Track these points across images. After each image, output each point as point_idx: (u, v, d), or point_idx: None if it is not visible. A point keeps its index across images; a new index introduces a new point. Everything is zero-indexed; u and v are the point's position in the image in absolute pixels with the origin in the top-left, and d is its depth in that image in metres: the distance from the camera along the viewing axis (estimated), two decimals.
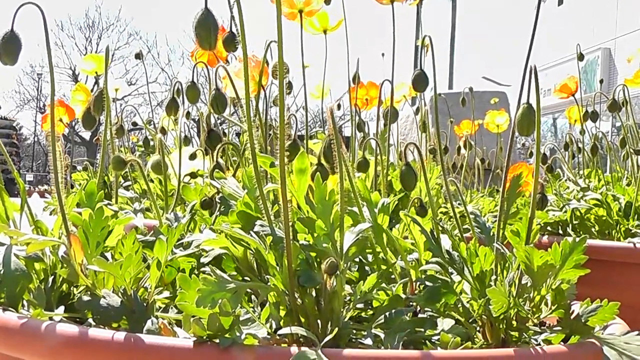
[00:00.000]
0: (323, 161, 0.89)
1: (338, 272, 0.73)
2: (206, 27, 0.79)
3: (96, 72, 2.68)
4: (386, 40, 1.46)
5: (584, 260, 0.84)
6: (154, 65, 35.58)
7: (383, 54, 2.82)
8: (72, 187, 2.55)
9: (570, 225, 1.80)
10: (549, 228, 1.84)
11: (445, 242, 1.02)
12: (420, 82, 1.04)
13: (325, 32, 1.66)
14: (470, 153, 2.53)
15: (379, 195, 1.05)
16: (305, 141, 1.54)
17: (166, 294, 0.91)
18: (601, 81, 3.65)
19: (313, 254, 0.78)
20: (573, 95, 2.17)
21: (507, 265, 0.86)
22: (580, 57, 2.51)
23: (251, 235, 0.77)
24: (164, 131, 2.28)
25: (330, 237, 0.79)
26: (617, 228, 1.74)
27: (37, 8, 0.87)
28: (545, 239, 1.73)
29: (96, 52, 34.92)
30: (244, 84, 0.85)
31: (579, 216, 1.79)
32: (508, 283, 0.82)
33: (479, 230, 1.08)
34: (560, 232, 1.82)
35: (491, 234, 1.07)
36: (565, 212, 1.80)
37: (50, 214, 2.53)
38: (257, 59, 1.10)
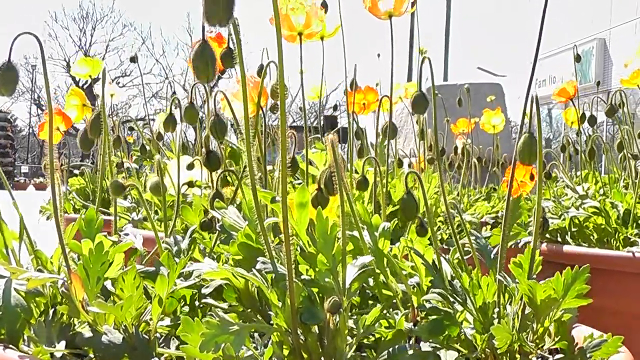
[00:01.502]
0: (323, 187, 0.89)
1: (341, 309, 0.73)
2: (204, 60, 0.78)
3: (90, 76, 2.67)
4: (378, 35, 1.44)
5: (587, 290, 0.84)
6: (149, 57, 35.45)
7: (379, 55, 2.82)
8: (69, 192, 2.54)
9: (569, 233, 1.80)
10: (547, 236, 1.83)
11: (447, 268, 1.01)
12: (419, 104, 1.03)
13: (322, 38, 1.65)
14: (467, 150, 2.53)
15: (379, 218, 1.04)
16: (304, 133, 1.53)
17: (167, 321, 0.90)
18: (598, 83, 3.64)
19: (315, 290, 0.77)
20: (571, 99, 2.16)
21: (509, 295, 0.86)
22: (577, 58, 2.51)
23: (253, 272, 0.76)
24: (160, 137, 2.27)
25: (333, 271, 0.78)
26: (616, 236, 1.74)
27: None
28: (544, 246, 1.73)
29: (90, 43, 34.78)
30: (243, 110, 0.84)
31: (578, 224, 1.79)
32: (511, 316, 0.81)
33: (480, 252, 1.08)
34: (559, 239, 1.82)
35: (492, 256, 1.07)
36: (564, 219, 1.80)
37: (47, 219, 2.53)
38: (255, 80, 1.09)
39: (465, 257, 1.07)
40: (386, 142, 1.77)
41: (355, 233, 0.96)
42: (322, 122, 2.57)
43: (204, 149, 1.28)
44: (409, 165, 2.96)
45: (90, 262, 0.80)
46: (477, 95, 6.12)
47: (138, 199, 2.36)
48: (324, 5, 1.71)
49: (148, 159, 2.39)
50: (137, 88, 32.69)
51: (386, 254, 0.99)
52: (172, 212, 1.70)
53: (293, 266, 0.75)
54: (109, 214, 1.73)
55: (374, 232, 1.00)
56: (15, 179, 26.31)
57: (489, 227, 1.88)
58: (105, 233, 0.91)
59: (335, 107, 2.96)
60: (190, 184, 1.73)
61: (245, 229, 0.84)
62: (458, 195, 2.63)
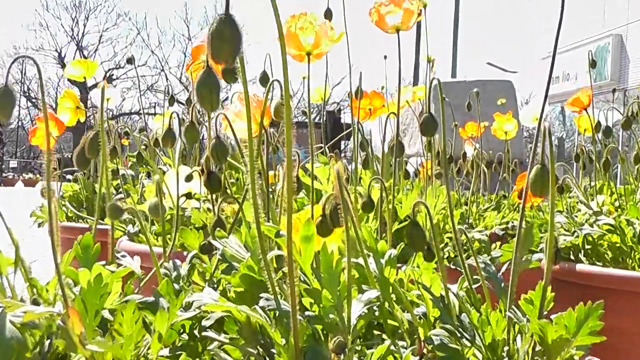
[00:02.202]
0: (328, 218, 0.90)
1: (346, 349, 0.74)
2: (208, 87, 0.79)
3: (84, 78, 2.68)
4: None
5: (600, 327, 0.85)
6: (144, 48, 35.48)
7: (385, 57, 2.82)
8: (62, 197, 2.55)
9: (582, 251, 1.81)
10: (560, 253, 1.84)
11: (455, 299, 1.03)
12: (428, 127, 1.04)
13: None
14: (476, 162, 2.53)
15: (385, 244, 1.06)
16: (309, 129, 1.54)
17: (166, 350, 0.92)
18: (614, 90, 3.65)
19: (319, 327, 0.79)
20: (585, 109, 2.17)
21: (519, 329, 0.87)
22: (593, 64, 2.52)
23: (255, 308, 0.77)
24: (157, 143, 2.28)
25: (337, 308, 0.79)
26: (632, 255, 1.75)
27: None
28: (556, 265, 1.74)
29: (83, 33, 34.76)
30: (247, 134, 0.85)
31: (592, 241, 1.80)
32: (522, 355, 0.82)
33: (489, 279, 1.09)
34: (572, 257, 1.83)
35: (502, 285, 1.08)
36: (577, 237, 1.81)
37: (39, 226, 2.54)
38: (258, 99, 1.10)
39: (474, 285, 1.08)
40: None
41: (360, 260, 0.98)
42: (324, 118, 2.57)
43: (203, 168, 1.29)
44: (416, 174, 2.97)
45: (89, 295, 0.82)
46: (485, 92, 6.11)
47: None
48: (329, 13, 1.72)
49: (145, 166, 2.40)
50: (131, 80, 32.74)
51: (392, 283, 1.00)
52: (169, 226, 1.72)
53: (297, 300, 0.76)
54: (104, 224, 1.74)
55: (380, 260, 1.02)
56: (3, 174, 26.34)
57: (498, 244, 1.89)
58: (103, 263, 0.92)
59: (339, 111, 2.97)
60: (189, 196, 1.74)
61: (247, 261, 0.86)
62: (467, 204, 2.63)
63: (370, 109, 2.45)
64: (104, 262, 0.94)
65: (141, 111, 4.23)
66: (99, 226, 1.38)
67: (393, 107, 2.55)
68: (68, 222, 2.31)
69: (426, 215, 1.65)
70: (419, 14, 1.36)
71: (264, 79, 1.96)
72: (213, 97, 0.79)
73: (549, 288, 0.86)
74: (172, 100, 2.51)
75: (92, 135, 1.08)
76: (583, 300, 1.71)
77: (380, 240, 1.44)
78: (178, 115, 1.35)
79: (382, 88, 3.19)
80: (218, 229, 0.96)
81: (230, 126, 1.05)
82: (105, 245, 1.25)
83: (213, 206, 1.20)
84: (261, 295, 0.78)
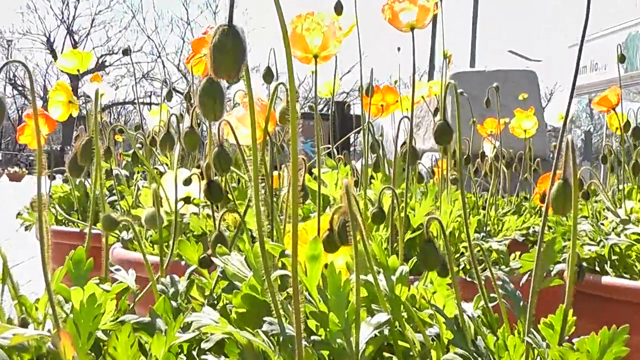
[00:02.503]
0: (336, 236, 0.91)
1: None
2: (211, 96, 0.79)
3: (78, 70, 2.69)
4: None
5: (625, 353, 0.86)
6: (139, 33, 35.52)
7: (399, 49, 2.83)
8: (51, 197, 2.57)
9: (608, 262, 1.82)
10: (584, 264, 1.85)
11: (470, 312, 1.04)
12: (443, 135, 1.05)
13: None
14: (495, 166, 2.54)
15: (397, 260, 1.07)
16: (315, 119, 1.56)
17: None
18: None
19: (326, 353, 0.80)
20: (614, 109, 2.17)
21: (538, 356, 0.88)
22: (621, 58, 2.51)
23: (258, 332, 0.79)
24: (154, 142, 2.30)
25: (345, 332, 0.80)
26: None
27: None
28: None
29: (74, 16, 34.81)
30: (252, 145, 0.86)
31: (619, 252, 1.81)
32: None
33: (507, 298, 1.10)
34: (597, 268, 1.84)
35: (520, 303, 1.09)
36: (603, 246, 1.81)
37: (26, 229, 2.56)
38: (262, 103, 1.11)
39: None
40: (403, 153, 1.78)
41: (370, 277, 0.99)
42: (333, 109, 2.58)
43: (203, 171, 1.31)
44: (431, 171, 2.97)
45: (82, 317, 0.83)
46: (506, 82, 6.05)
47: (128, 209, 2.39)
48: (339, 6, 1.73)
49: (140, 165, 2.41)
50: (125, 68, 32.75)
51: (403, 302, 1.01)
52: (167, 232, 1.73)
53: (302, 324, 0.77)
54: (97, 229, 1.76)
55: (391, 277, 1.03)
56: None
57: (518, 254, 1.90)
58: (97, 281, 0.94)
59: (348, 106, 2.98)
60: (187, 200, 1.75)
61: (250, 280, 0.87)
62: (485, 207, 2.64)
63: (382, 105, 2.46)
64: (97, 279, 0.96)
65: (136, 101, 4.25)
66: (92, 231, 1.39)
67: (406, 102, 2.55)
68: (58, 226, 2.33)
69: (439, 230, 1.66)
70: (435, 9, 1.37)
71: (268, 75, 1.97)
72: (217, 106, 0.80)
73: (571, 311, 0.87)
74: (170, 95, 2.52)
75: (85, 142, 1.09)
76: (608, 316, 1.72)
77: (390, 250, 1.46)
78: (177, 116, 1.36)
79: (396, 82, 3.20)
80: (219, 245, 0.97)
81: (233, 132, 1.06)
82: (99, 251, 1.26)
83: (213, 218, 1.22)
84: (265, 318, 0.79)
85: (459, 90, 2.97)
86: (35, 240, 2.19)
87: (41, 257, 0.87)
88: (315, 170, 1.59)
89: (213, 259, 0.99)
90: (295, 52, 1.12)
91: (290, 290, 0.78)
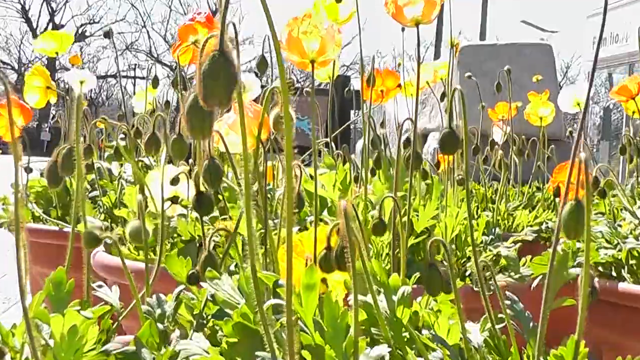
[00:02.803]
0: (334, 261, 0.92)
1: None
2: (199, 115, 0.80)
3: (57, 53, 2.69)
4: None
5: None
6: (122, 1, 35.34)
7: (403, 29, 2.82)
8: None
9: (625, 267, 1.83)
10: (600, 269, 1.86)
11: (476, 337, 1.05)
12: (448, 144, 1.05)
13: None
14: (504, 163, 2.54)
15: (398, 279, 1.07)
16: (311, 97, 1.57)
17: None
18: None
19: None
20: (633, 98, 2.18)
21: None
22: None
23: None
24: (138, 133, 2.29)
25: None
26: None
27: None
28: (595, 282, 1.75)
29: None
30: (242, 151, 0.87)
31: (637, 256, 1.82)
32: None
33: (515, 319, 1.11)
34: (614, 273, 1.84)
35: (530, 325, 1.10)
36: (620, 250, 1.82)
37: (1, 225, 2.56)
38: (255, 109, 1.12)
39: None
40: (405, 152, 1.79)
41: (369, 298, 1.00)
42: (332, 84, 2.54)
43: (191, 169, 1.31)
44: (436, 165, 2.97)
45: (62, 350, 0.84)
46: (519, 56, 5.98)
47: (110, 207, 2.40)
48: None
49: (123, 158, 2.41)
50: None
51: (405, 325, 1.02)
52: (153, 237, 1.73)
53: (297, 355, 0.78)
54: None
55: (392, 297, 1.04)
56: None
57: (529, 258, 1.91)
58: (78, 308, 0.95)
59: (347, 91, 2.98)
60: (175, 200, 1.76)
61: (242, 308, 0.88)
62: (494, 202, 2.64)
63: (382, 90, 2.45)
64: (77, 306, 0.96)
65: (118, 75, 4.24)
66: (70, 228, 1.39)
67: (410, 87, 2.55)
68: (35, 224, 2.33)
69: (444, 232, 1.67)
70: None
71: (262, 64, 1.96)
72: (205, 125, 0.80)
73: (583, 342, 0.88)
74: (155, 81, 2.52)
75: (65, 151, 1.09)
76: (623, 324, 1.74)
77: (392, 256, 1.46)
78: (163, 117, 1.36)
79: (399, 65, 3.18)
80: (209, 269, 0.98)
81: (223, 141, 1.07)
82: (80, 251, 1.26)
83: (203, 232, 1.23)
84: (257, 354, 0.80)
85: (467, 74, 2.95)
86: (9, 233, 2.19)
87: (18, 280, 0.88)
88: (311, 171, 1.60)
89: (203, 284, 1.00)
90: (291, 57, 1.12)
91: (284, 320, 0.79)
